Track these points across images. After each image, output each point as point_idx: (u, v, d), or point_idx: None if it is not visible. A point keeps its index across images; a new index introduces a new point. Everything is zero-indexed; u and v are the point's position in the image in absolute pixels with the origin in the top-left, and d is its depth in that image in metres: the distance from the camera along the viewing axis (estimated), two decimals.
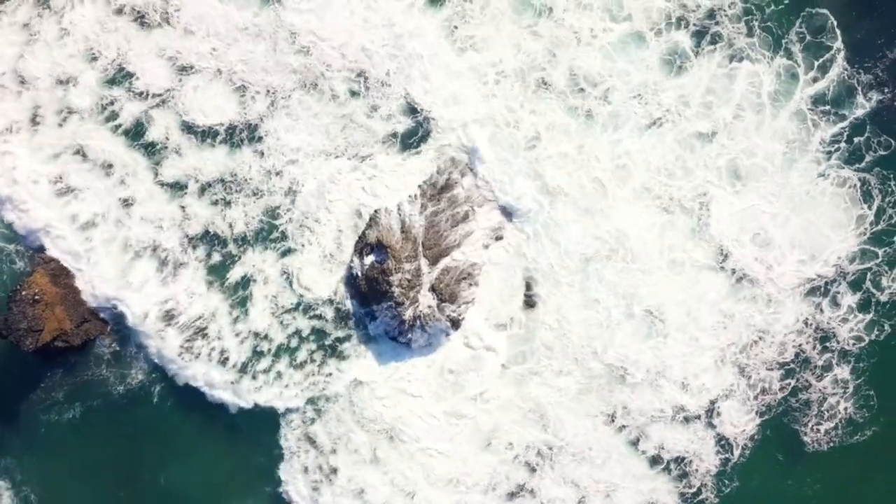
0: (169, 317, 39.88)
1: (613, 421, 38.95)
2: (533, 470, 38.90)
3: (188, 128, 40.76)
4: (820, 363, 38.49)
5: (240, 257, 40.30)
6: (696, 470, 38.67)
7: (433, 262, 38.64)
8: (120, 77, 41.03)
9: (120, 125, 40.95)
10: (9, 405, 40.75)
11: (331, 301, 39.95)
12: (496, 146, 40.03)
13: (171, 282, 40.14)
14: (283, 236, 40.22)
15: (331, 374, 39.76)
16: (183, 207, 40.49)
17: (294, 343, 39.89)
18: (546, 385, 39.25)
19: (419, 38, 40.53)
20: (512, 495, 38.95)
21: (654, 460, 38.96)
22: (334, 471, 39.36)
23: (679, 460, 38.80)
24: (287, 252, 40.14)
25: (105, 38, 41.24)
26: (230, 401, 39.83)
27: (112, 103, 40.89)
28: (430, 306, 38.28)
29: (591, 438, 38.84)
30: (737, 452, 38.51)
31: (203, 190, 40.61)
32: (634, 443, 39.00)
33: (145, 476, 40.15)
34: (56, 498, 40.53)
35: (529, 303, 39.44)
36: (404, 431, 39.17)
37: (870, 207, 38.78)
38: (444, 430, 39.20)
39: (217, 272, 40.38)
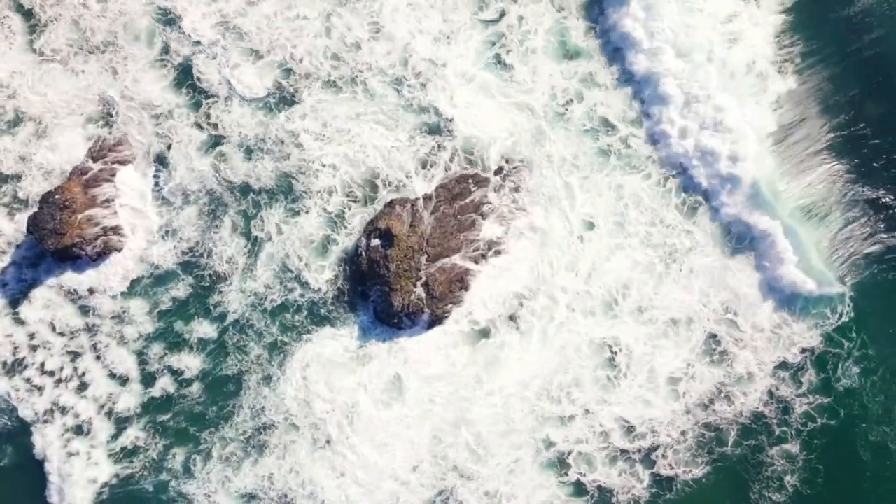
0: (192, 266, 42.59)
1: (538, 454, 39.11)
2: (462, 477, 39.38)
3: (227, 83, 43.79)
4: (777, 433, 38.25)
5: (256, 215, 42.57)
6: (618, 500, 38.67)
7: (433, 259, 40.20)
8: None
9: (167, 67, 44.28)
10: None
11: (330, 273, 41.87)
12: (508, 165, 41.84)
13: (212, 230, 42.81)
14: (295, 199, 42.46)
15: (307, 342, 41.32)
16: (221, 157, 43.25)
17: (290, 306, 41.78)
18: (488, 405, 39.84)
19: (460, 56, 42.70)
20: (441, 492, 39.41)
21: (579, 489, 38.92)
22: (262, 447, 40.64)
23: (603, 489, 38.75)
24: (296, 214, 42.32)
25: None
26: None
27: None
28: (420, 298, 39.83)
29: (517, 469, 39.00)
30: (675, 488, 38.28)
31: (240, 145, 43.20)
32: (558, 470, 39.04)
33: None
34: None
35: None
36: (347, 420, 40.05)
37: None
38: (388, 426, 40.07)
39: (242, 227, 42.75)
